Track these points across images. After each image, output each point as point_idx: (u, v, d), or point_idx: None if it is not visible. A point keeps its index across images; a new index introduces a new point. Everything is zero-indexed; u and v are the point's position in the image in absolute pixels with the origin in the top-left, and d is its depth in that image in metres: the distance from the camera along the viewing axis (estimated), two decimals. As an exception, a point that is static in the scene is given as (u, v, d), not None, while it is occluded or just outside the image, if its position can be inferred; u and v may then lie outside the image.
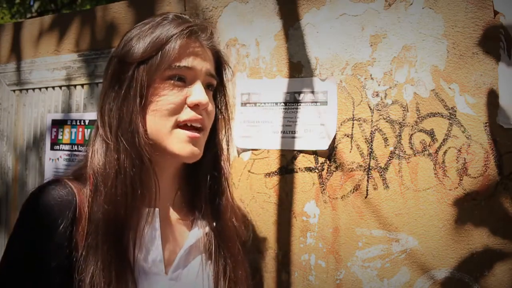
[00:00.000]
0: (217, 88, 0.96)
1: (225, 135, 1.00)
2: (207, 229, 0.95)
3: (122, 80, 0.84)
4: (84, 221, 0.80)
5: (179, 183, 0.97)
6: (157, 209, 0.88)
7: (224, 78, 0.98)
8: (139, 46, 0.84)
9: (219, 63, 0.97)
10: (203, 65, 0.88)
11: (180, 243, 0.93)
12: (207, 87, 0.90)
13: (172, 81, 0.85)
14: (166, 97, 0.84)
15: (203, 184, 0.97)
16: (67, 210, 0.79)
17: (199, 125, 0.87)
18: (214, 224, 0.96)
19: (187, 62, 0.85)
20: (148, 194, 0.85)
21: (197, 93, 0.85)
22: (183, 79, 0.86)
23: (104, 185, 0.81)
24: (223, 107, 0.99)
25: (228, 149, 1.01)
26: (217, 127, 0.97)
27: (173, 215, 0.95)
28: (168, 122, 0.85)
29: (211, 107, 0.90)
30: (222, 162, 0.99)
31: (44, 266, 0.76)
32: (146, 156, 0.83)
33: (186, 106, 0.85)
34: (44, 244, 0.77)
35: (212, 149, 0.96)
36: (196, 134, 0.86)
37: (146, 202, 0.85)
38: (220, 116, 0.98)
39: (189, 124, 0.86)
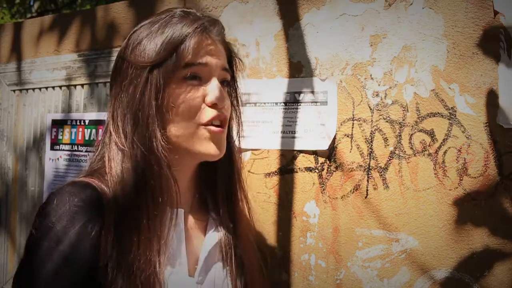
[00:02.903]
0: (228, 82, 0.93)
1: (237, 130, 0.98)
2: (224, 230, 0.93)
3: (136, 84, 0.81)
4: (111, 224, 0.75)
5: (195, 184, 0.95)
6: (181, 210, 0.85)
7: (235, 71, 0.96)
8: (150, 48, 0.81)
9: (230, 57, 0.94)
10: (217, 60, 0.86)
11: (199, 246, 0.91)
12: (222, 82, 0.88)
13: (188, 81, 0.82)
14: (185, 100, 0.82)
15: (219, 183, 0.94)
16: (95, 213, 0.74)
17: (219, 123, 0.85)
18: (230, 224, 0.93)
19: (202, 59, 0.83)
20: (169, 199, 0.82)
21: (215, 91, 0.83)
22: (199, 78, 0.84)
23: (123, 195, 0.77)
24: (235, 101, 0.97)
25: (239, 145, 0.98)
26: (230, 122, 0.94)
27: (192, 217, 0.93)
28: (190, 124, 0.82)
29: (228, 103, 0.88)
30: (236, 159, 0.96)
31: (69, 277, 0.71)
32: (164, 161, 0.80)
33: (204, 105, 0.83)
34: (74, 251, 0.71)
35: (226, 145, 0.92)
36: (219, 129, 0.85)
37: (168, 206, 0.82)
38: (232, 111, 0.95)
39: (209, 123, 0.84)
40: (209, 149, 0.84)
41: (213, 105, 0.83)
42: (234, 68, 0.95)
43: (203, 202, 0.96)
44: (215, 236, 0.92)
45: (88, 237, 0.72)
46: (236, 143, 0.98)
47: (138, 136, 0.79)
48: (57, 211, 0.73)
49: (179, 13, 0.85)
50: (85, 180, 0.79)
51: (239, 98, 0.97)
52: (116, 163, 0.80)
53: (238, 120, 0.97)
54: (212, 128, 0.84)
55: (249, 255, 0.95)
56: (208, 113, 0.83)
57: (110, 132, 0.83)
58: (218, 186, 0.94)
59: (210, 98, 0.83)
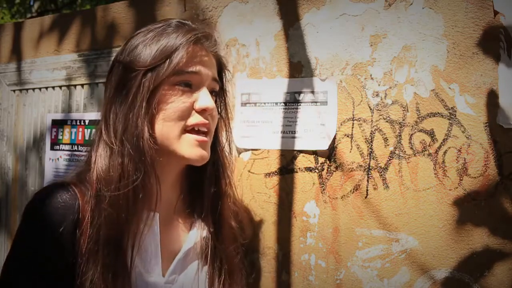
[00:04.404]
0: (217, 92, 0.98)
1: (226, 138, 1.03)
2: (204, 232, 0.96)
3: (129, 87, 0.85)
4: (86, 225, 0.81)
5: (181, 187, 0.98)
6: (157, 214, 0.89)
7: (224, 82, 1.01)
8: (146, 53, 0.86)
9: (220, 68, 0.99)
10: (208, 70, 0.91)
11: (178, 247, 0.94)
12: (211, 92, 0.93)
13: (179, 87, 0.87)
14: (174, 103, 0.86)
15: (205, 187, 0.98)
16: (70, 214, 0.80)
17: (205, 129, 0.90)
18: (212, 227, 0.97)
19: (194, 68, 0.88)
20: (149, 198, 0.86)
21: (204, 98, 0.88)
22: (190, 85, 0.89)
23: (107, 189, 0.82)
24: (223, 110, 1.02)
25: (229, 151, 1.03)
26: (218, 129, 1.00)
27: (174, 218, 0.96)
28: (176, 127, 0.87)
29: (215, 112, 0.93)
30: (223, 165, 1.01)
31: (46, 269, 0.77)
32: (149, 161, 0.84)
33: (193, 111, 0.88)
34: (47, 247, 0.77)
35: (214, 152, 0.97)
36: (204, 138, 0.89)
37: (147, 206, 0.86)
38: (220, 119, 1.00)
39: (196, 129, 0.89)
40: (193, 153, 0.88)
41: (201, 111, 0.88)
42: (224, 80, 1.01)
43: (189, 205, 1.00)
44: (194, 237, 0.96)
45: (62, 236, 0.78)
46: (226, 149, 1.03)
47: (128, 135, 0.84)
48: (36, 212, 0.80)
49: (175, 23, 0.91)
50: (63, 181, 0.85)
51: (228, 108, 1.04)
52: (103, 160, 0.85)
53: (227, 128, 1.03)
54: (198, 137, 0.88)
55: (229, 256, 0.99)
56: (195, 118, 0.88)
57: (101, 131, 0.88)
58: (204, 190, 0.98)
59: (200, 104, 0.88)
